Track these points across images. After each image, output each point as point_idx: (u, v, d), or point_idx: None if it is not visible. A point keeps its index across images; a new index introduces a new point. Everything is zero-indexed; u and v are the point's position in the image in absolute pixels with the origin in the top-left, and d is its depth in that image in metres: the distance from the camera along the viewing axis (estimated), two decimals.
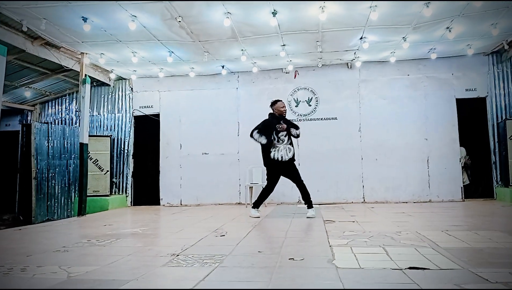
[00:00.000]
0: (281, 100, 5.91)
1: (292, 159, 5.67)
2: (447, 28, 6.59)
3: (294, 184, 5.80)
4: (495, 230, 4.35)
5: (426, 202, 8.17)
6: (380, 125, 8.54)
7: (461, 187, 8.18)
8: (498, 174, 8.10)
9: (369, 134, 8.56)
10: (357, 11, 5.91)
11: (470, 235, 4.05)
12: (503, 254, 3.17)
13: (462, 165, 8.44)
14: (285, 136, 5.65)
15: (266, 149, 5.68)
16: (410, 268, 2.79)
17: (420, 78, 8.53)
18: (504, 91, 8.20)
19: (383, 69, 8.63)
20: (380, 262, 3.01)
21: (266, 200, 6.11)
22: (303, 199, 5.83)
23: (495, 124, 8.16)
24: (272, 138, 5.62)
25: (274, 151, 5.58)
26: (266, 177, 5.93)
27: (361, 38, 7.02)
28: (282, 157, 5.56)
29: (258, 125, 5.77)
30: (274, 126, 5.63)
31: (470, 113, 8.50)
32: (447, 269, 2.77)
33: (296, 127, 5.81)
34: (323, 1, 5.55)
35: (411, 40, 7.13)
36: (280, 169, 5.69)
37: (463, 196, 8.15)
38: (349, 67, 8.70)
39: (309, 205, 5.79)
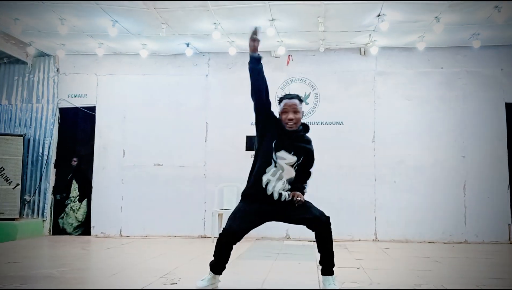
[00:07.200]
0: (288, 98, 4.39)
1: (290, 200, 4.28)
2: (496, 7, 6.72)
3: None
4: None
5: (461, 243, 8.27)
6: (402, 135, 8.64)
7: (509, 224, 8.33)
8: None
9: (387, 146, 8.65)
10: None
11: None
12: None
13: None
14: (292, 165, 4.42)
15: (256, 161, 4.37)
16: None
17: (458, 72, 8.68)
18: None
19: (408, 59, 8.76)
20: None
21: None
22: (321, 263, 4.22)
23: None
24: (270, 155, 4.26)
25: (267, 176, 4.24)
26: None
27: (378, 16, 7.12)
28: (274, 192, 4.21)
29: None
30: (278, 138, 4.34)
31: None
32: None
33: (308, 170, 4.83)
34: None
35: (446, 22, 7.24)
36: (264, 209, 4.24)
37: None
38: (362, 53, 8.80)
39: (330, 269, 4.19)
